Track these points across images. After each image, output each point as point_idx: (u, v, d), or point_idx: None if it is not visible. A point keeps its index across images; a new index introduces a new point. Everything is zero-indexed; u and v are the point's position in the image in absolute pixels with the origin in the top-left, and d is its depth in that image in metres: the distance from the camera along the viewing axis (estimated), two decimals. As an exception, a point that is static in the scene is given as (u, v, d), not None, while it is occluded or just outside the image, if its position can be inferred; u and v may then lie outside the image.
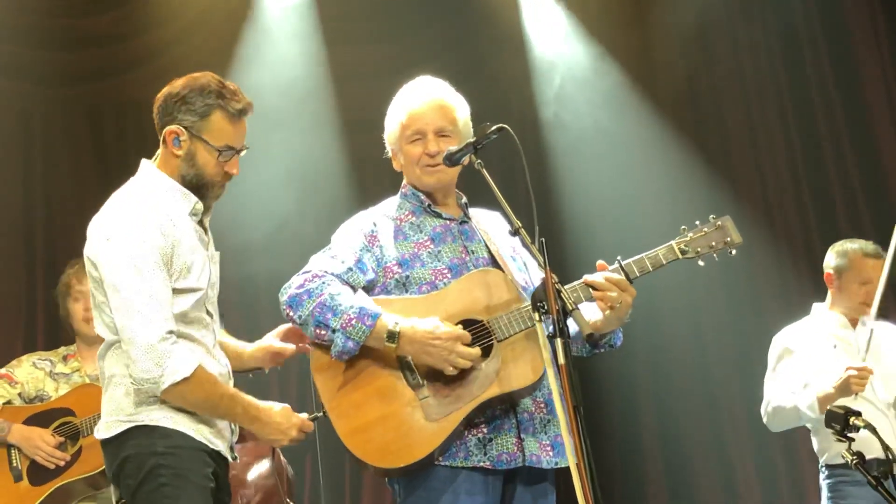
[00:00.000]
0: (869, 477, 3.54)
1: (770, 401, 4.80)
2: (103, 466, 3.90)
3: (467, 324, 3.14)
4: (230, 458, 3.17)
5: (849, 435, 3.60)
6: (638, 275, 3.17)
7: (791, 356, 4.83)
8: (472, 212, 3.46)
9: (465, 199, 3.46)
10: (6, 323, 6.67)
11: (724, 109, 7.23)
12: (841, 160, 6.90)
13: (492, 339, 3.13)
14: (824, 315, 4.93)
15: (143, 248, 2.98)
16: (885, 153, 6.84)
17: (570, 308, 2.82)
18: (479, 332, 3.13)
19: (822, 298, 6.36)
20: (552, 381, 2.83)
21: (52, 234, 6.90)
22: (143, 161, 3.27)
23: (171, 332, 2.96)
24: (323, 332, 3.12)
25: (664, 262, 3.18)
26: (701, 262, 3.23)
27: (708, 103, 7.27)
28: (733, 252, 3.23)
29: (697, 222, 3.23)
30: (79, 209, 7.06)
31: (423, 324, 3.08)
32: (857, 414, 3.61)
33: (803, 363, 4.77)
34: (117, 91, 7.25)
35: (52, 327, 6.19)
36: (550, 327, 2.82)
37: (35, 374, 4.42)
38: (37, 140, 7.11)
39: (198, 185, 3.16)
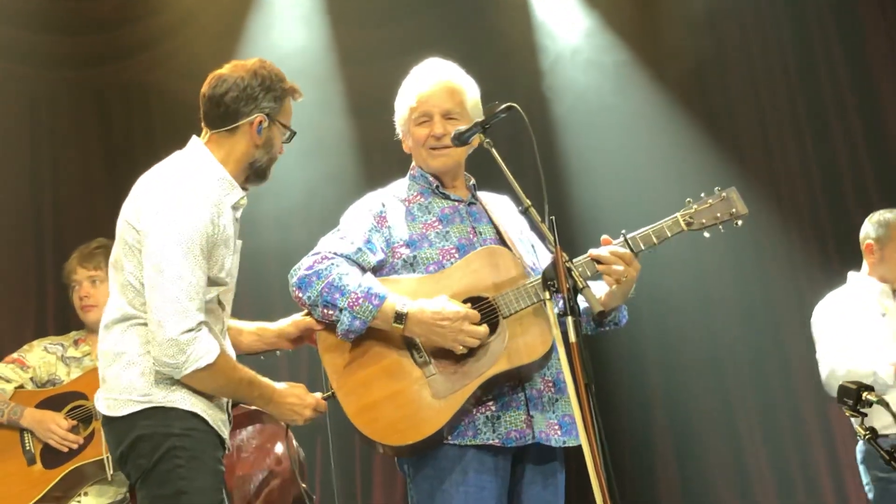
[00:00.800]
0: (882, 452, 3.53)
1: (836, 367, 4.71)
2: (105, 455, 3.95)
3: (473, 301, 3.15)
4: (228, 449, 3.19)
5: (861, 410, 3.59)
6: (643, 248, 3.16)
7: (841, 323, 4.80)
8: (481, 195, 3.47)
9: (473, 181, 3.46)
10: (17, 308, 6.68)
11: (731, 87, 7.20)
12: (849, 136, 6.88)
13: (498, 316, 3.13)
14: (863, 283, 4.93)
15: (193, 232, 2.98)
16: (892, 128, 6.80)
17: (581, 286, 2.82)
18: (485, 308, 3.14)
19: (829, 273, 6.37)
20: (563, 359, 2.82)
21: (61, 218, 6.91)
22: (194, 139, 3.28)
23: (201, 323, 2.96)
24: (330, 312, 3.13)
25: (669, 235, 3.17)
26: (706, 234, 3.21)
27: (715, 81, 7.24)
28: (739, 223, 3.22)
29: (703, 194, 3.22)
30: (86, 193, 7.09)
31: (431, 304, 3.09)
32: (870, 389, 3.59)
33: (853, 330, 4.74)
34: (123, 75, 7.25)
35: (61, 312, 6.21)
36: (560, 305, 2.82)
37: (47, 358, 4.42)
38: (43, 124, 7.11)
39: (265, 169, 3.22)
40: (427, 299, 3.11)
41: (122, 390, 3.00)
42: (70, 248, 7.16)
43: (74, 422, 4.18)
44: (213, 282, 3.07)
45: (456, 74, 3.43)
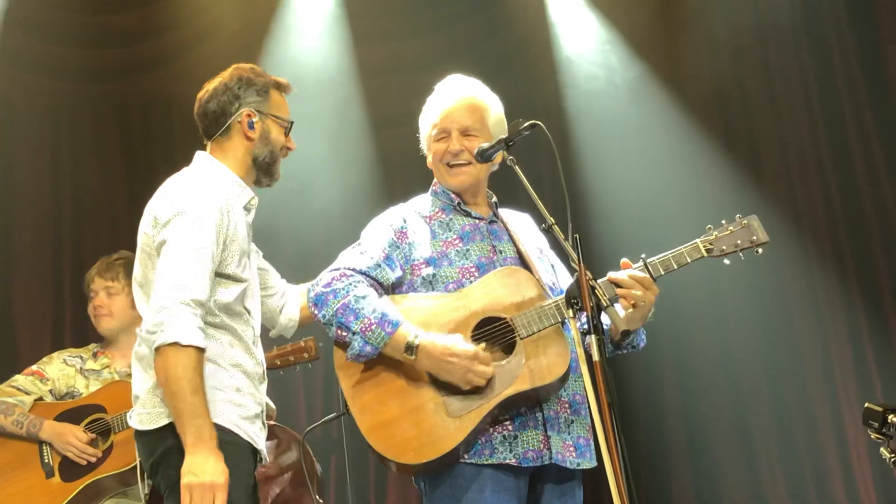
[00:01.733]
0: None
1: None
2: (135, 462, 3.92)
3: (491, 321, 3.14)
4: (263, 460, 3.16)
5: (887, 433, 3.54)
6: (662, 273, 3.15)
7: None
8: (502, 212, 3.45)
9: (494, 199, 3.45)
10: (36, 320, 6.72)
11: (751, 110, 7.18)
12: (869, 160, 6.84)
13: (515, 336, 3.12)
14: None
15: (203, 218, 3.03)
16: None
17: (605, 304, 2.81)
18: (502, 329, 3.13)
19: (847, 296, 6.33)
20: (586, 378, 2.81)
21: (80, 230, 6.95)
22: (199, 153, 3.35)
23: (197, 302, 2.94)
24: (343, 334, 3.13)
25: (689, 261, 3.17)
26: (727, 261, 3.21)
27: (736, 103, 7.23)
28: (759, 251, 3.22)
29: (724, 221, 3.21)
30: (107, 204, 7.13)
31: (443, 339, 3.08)
32: None
33: None
34: (145, 87, 7.30)
35: (80, 324, 6.22)
36: (583, 323, 2.80)
37: (66, 370, 4.43)
38: (65, 135, 7.16)
39: (270, 164, 3.26)
40: (441, 334, 3.10)
41: (155, 403, 2.99)
42: (89, 260, 7.16)
43: (93, 435, 4.17)
44: (231, 277, 3.08)
45: (479, 90, 3.42)
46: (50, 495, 4.02)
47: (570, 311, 2.87)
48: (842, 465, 6.60)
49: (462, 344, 3.07)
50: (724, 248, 3.18)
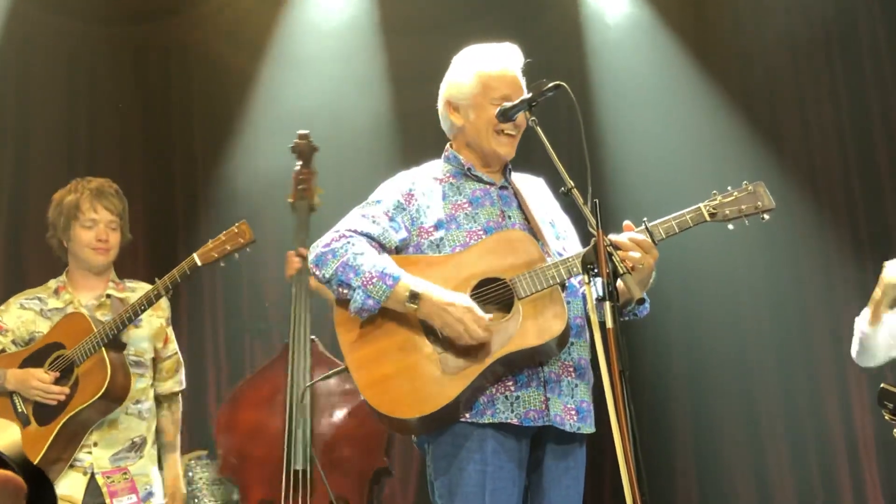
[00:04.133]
0: None
1: None
2: (103, 389, 3.92)
3: (490, 282, 3.14)
4: None
5: (902, 415, 3.52)
6: (664, 236, 3.12)
7: None
8: (515, 177, 3.43)
9: (509, 165, 3.42)
10: (49, 271, 6.71)
11: (774, 79, 7.12)
12: (890, 135, 6.77)
13: (513, 297, 3.11)
14: None
15: None
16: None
17: (622, 272, 2.79)
18: (500, 289, 3.13)
19: (863, 273, 6.28)
20: (598, 344, 2.79)
21: (94, 172, 6.91)
22: None
23: None
24: (345, 291, 3.14)
25: (691, 225, 3.13)
26: (730, 226, 3.17)
27: (759, 71, 7.16)
28: (765, 217, 3.16)
29: (729, 188, 3.17)
30: (121, 148, 7.12)
31: (442, 292, 3.09)
32: None
33: None
34: (164, 33, 7.27)
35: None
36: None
37: (24, 315, 4.25)
38: (81, 78, 7.15)
39: None
40: (440, 287, 3.11)
41: None
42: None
43: (56, 373, 4.05)
44: None
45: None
46: (31, 443, 3.95)
47: (586, 277, 2.85)
48: (846, 444, 6.59)
49: (463, 297, 3.08)
50: (727, 213, 3.13)
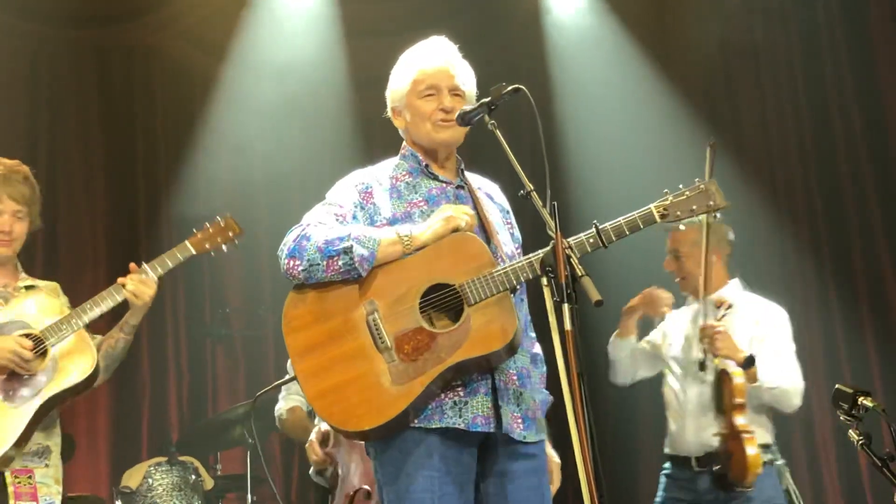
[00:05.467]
0: (875, 459, 3.49)
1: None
2: (91, 370, 3.72)
3: (440, 287, 3.11)
4: None
5: (856, 415, 3.54)
6: (614, 239, 3.07)
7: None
8: (469, 177, 3.42)
9: (462, 165, 3.42)
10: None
11: (734, 80, 7.19)
12: (850, 136, 6.84)
13: (463, 304, 3.09)
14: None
15: None
16: (893, 128, 6.77)
17: (580, 274, 2.80)
18: (450, 296, 3.10)
19: (821, 279, 6.35)
20: (557, 347, 2.80)
21: (54, 175, 6.86)
22: None
23: None
24: (336, 258, 3.10)
25: (641, 226, 3.09)
26: (682, 227, 3.18)
27: (719, 74, 7.23)
28: (717, 216, 3.18)
29: (681, 186, 3.13)
30: (82, 149, 7.07)
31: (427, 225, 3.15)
32: (867, 394, 3.55)
33: None
34: (127, 36, 7.25)
35: (51, 266, 6.15)
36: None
37: None
38: (44, 80, 7.10)
39: None
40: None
41: None
42: (63, 206, 7.12)
43: (31, 344, 3.70)
44: None
45: (458, 56, 3.39)
46: (8, 420, 3.66)
47: (544, 279, 2.85)
48: (805, 447, 6.65)
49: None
50: (678, 213, 3.09)
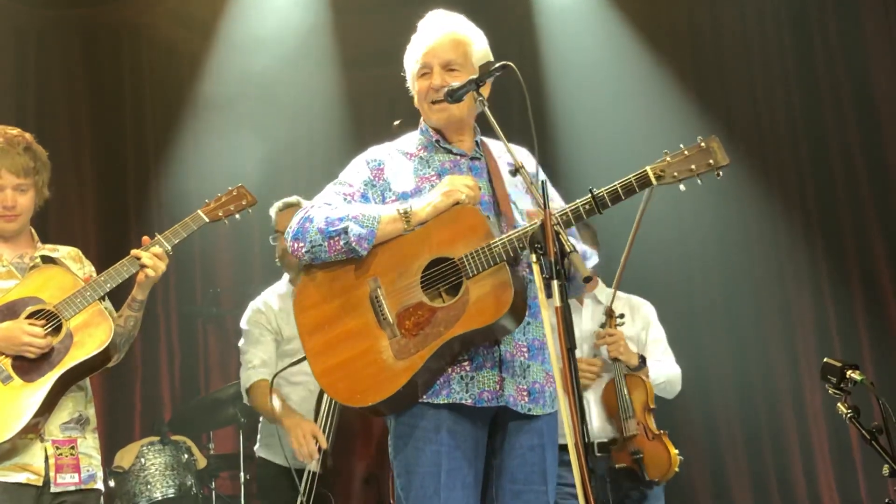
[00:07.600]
0: (863, 432, 3.50)
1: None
2: (109, 340, 3.63)
3: (440, 261, 3.13)
4: None
5: (844, 389, 3.56)
6: (610, 204, 3.02)
7: None
8: (493, 146, 3.39)
9: (479, 136, 3.41)
10: None
11: (725, 58, 7.19)
12: (840, 116, 6.85)
13: (462, 277, 3.09)
14: None
15: None
16: (883, 110, 6.79)
17: (569, 250, 2.79)
18: (450, 269, 3.11)
19: (812, 254, 6.36)
20: (546, 323, 2.80)
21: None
22: None
23: None
24: (337, 238, 3.14)
25: (637, 188, 3.01)
26: (682, 187, 3.02)
27: (708, 47, 7.23)
28: (719, 175, 3.01)
29: (681, 145, 3.04)
30: (70, 127, 7.03)
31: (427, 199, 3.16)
32: (855, 367, 3.56)
33: None
34: (115, 15, 7.22)
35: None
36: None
37: None
38: (31, 59, 7.06)
39: None
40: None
41: None
42: (51, 185, 7.03)
43: (42, 322, 3.62)
44: None
45: (461, 25, 3.37)
46: (16, 400, 3.58)
47: (534, 256, 2.84)
48: (797, 421, 6.69)
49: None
50: (675, 173, 2.98)
